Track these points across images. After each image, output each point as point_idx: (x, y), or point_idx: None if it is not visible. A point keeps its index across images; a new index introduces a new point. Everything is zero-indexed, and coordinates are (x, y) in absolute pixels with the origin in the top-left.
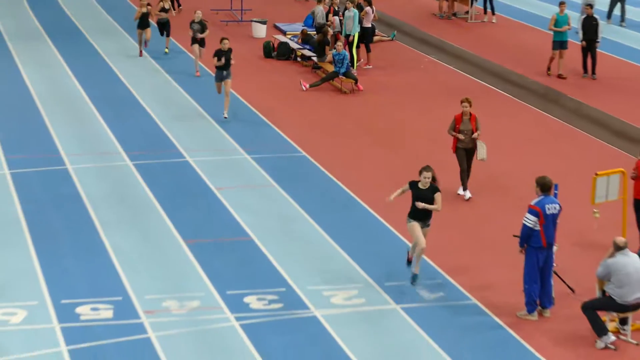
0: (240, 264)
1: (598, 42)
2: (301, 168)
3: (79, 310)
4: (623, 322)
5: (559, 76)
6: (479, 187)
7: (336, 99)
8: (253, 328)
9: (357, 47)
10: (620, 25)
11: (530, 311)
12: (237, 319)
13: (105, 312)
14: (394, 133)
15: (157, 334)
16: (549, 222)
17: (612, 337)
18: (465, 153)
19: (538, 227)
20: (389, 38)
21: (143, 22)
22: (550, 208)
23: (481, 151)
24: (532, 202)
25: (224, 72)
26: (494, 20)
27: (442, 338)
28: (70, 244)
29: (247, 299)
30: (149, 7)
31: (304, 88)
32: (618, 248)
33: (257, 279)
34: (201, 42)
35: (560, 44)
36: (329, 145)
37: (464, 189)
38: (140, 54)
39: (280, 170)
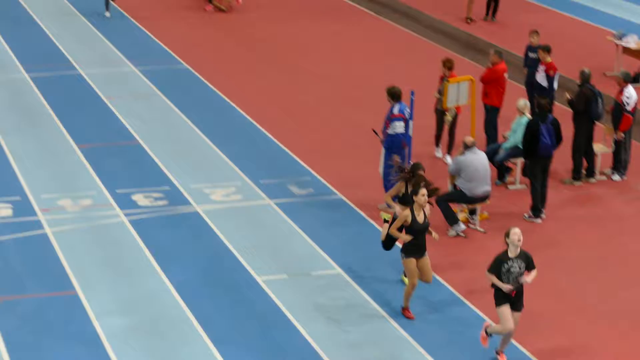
0: (129, 166)
1: None
2: (184, 79)
3: None
4: (472, 212)
5: (468, 19)
6: (349, 95)
7: (215, 17)
8: (141, 223)
9: None
10: None
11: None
12: (126, 215)
13: (5, 211)
14: (269, 46)
15: (53, 230)
16: (407, 125)
17: (463, 226)
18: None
19: (403, 131)
20: None
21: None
22: (406, 113)
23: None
24: (394, 111)
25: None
26: None
27: (311, 229)
28: None
29: (134, 197)
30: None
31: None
32: (467, 147)
33: (144, 179)
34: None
35: None
36: (209, 58)
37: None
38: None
39: (165, 81)
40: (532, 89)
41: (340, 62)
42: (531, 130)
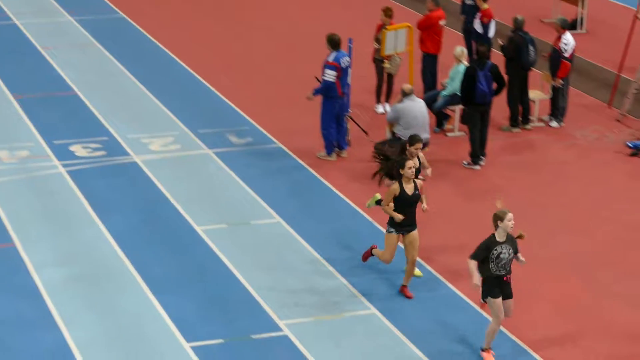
0: (66, 117)
1: None
2: (121, 29)
3: None
4: None
5: None
6: (288, 47)
7: None
8: (78, 174)
9: None
10: None
11: (328, 152)
12: (64, 166)
13: None
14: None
15: None
16: (344, 74)
17: None
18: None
19: (335, 80)
20: None
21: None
22: (344, 61)
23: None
24: (329, 59)
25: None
26: None
27: (250, 178)
28: None
29: (72, 148)
30: None
31: None
32: (405, 94)
33: (82, 130)
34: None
35: None
36: (146, 7)
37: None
38: None
39: (101, 31)
40: (470, 36)
41: (280, 11)
42: (468, 77)
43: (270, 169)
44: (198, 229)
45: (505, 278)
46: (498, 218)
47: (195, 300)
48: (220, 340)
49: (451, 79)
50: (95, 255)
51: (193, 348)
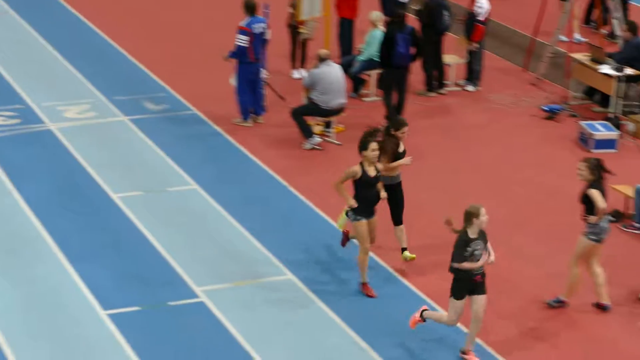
0: None
1: None
2: None
3: None
4: (327, 125)
5: None
6: (205, 13)
7: None
8: None
9: None
10: None
11: (244, 118)
12: None
13: None
14: None
15: None
16: (257, 39)
17: (318, 139)
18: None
19: (248, 45)
20: None
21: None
22: (257, 27)
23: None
24: (242, 24)
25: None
26: None
27: (166, 145)
28: None
29: None
30: None
31: None
32: (322, 59)
33: None
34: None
35: None
36: None
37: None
38: None
39: None
40: (386, 1)
41: None
42: (387, 40)
43: (186, 135)
44: (114, 197)
45: (477, 278)
46: (473, 215)
47: (111, 268)
48: (136, 308)
49: (367, 43)
50: (11, 224)
51: (109, 316)
